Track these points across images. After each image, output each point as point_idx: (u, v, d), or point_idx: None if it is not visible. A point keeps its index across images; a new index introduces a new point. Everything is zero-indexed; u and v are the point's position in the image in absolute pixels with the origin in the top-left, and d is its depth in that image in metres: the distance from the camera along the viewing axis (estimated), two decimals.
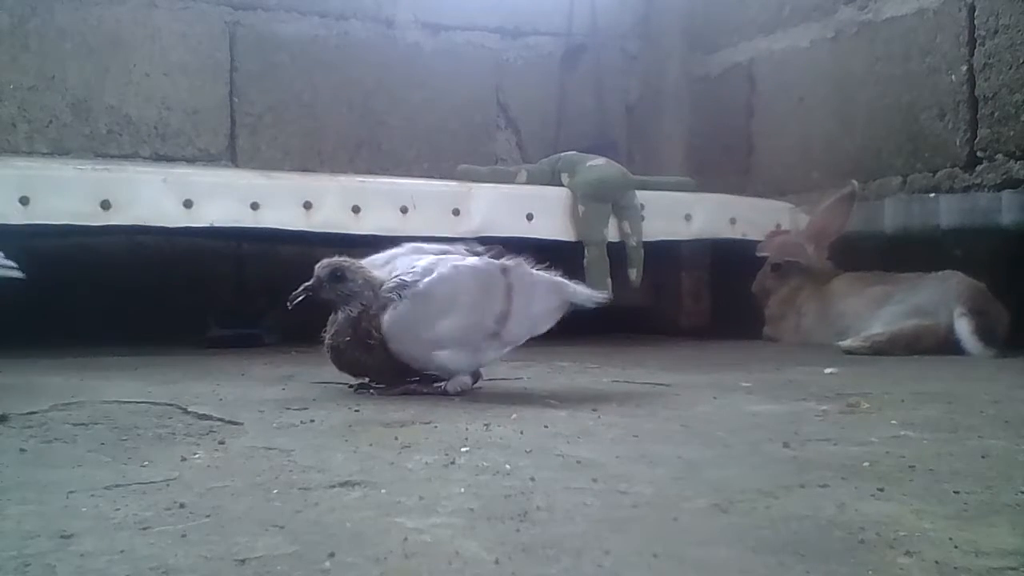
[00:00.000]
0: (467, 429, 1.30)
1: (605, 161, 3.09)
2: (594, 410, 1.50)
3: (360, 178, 2.91)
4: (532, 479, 0.98)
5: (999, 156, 2.96)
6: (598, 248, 2.90)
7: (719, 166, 3.83)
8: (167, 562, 0.70)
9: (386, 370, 1.68)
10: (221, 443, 1.20)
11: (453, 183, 2.92)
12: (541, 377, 2.00)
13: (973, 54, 3.02)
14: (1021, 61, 2.89)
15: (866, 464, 1.07)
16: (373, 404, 1.57)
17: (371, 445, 1.19)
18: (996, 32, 2.96)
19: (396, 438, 1.23)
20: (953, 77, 3.08)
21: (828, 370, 2.13)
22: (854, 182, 3.13)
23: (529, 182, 3.09)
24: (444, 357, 1.65)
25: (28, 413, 1.40)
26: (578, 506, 0.87)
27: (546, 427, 1.34)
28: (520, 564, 0.69)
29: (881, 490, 0.92)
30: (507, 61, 3.99)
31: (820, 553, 0.72)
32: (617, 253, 2.94)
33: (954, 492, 0.92)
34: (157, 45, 3.44)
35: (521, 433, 1.28)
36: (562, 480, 0.98)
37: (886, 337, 2.63)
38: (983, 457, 1.12)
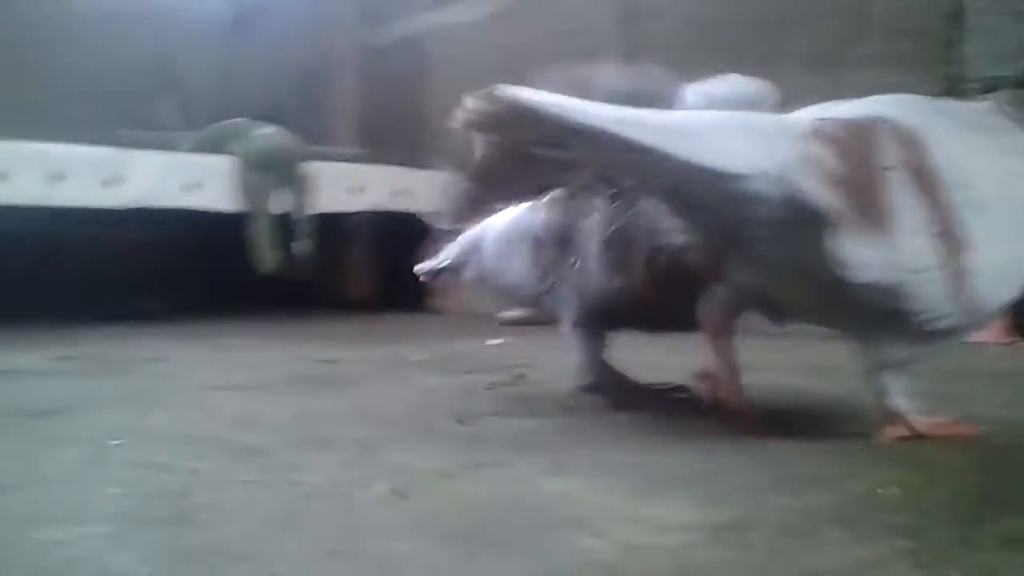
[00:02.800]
0: (118, 416, 1.20)
1: (275, 130, 2.98)
2: (261, 389, 1.43)
3: (4, 142, 2.64)
4: (193, 472, 0.90)
5: None
6: (265, 219, 2.80)
7: (391, 138, 3.79)
8: None
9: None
10: None
11: (112, 149, 2.71)
12: (199, 356, 1.90)
13: (631, 34, 3.15)
14: (673, 42, 3.04)
15: (540, 438, 1.06)
16: (8, 387, 1.42)
17: (5, 439, 1.07)
18: (654, 14, 3.10)
19: (35, 431, 1.11)
20: (613, 54, 3.19)
21: (492, 341, 2.15)
22: None
23: (194, 150, 2.93)
24: None
25: None
26: (245, 502, 0.80)
27: (206, 411, 1.25)
28: None
29: (558, 465, 0.91)
30: (175, 23, 3.78)
31: (506, 539, 0.69)
32: (286, 225, 2.85)
33: (629, 464, 0.92)
34: None
35: (179, 419, 1.19)
36: (226, 472, 0.90)
37: None
38: (651, 424, 1.14)
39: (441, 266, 1.50)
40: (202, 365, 1.79)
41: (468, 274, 1.45)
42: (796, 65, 2.68)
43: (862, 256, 0.92)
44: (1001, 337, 2.06)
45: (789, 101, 2.83)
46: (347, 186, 3.03)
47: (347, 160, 3.16)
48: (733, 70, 3.00)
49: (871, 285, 0.93)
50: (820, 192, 0.91)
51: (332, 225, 3.05)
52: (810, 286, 0.99)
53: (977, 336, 2.05)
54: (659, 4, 3.09)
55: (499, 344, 2.11)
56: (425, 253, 3.03)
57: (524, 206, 1.35)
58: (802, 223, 0.92)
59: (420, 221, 3.20)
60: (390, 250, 3.43)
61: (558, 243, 1.27)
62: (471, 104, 0.95)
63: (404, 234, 3.25)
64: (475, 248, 1.42)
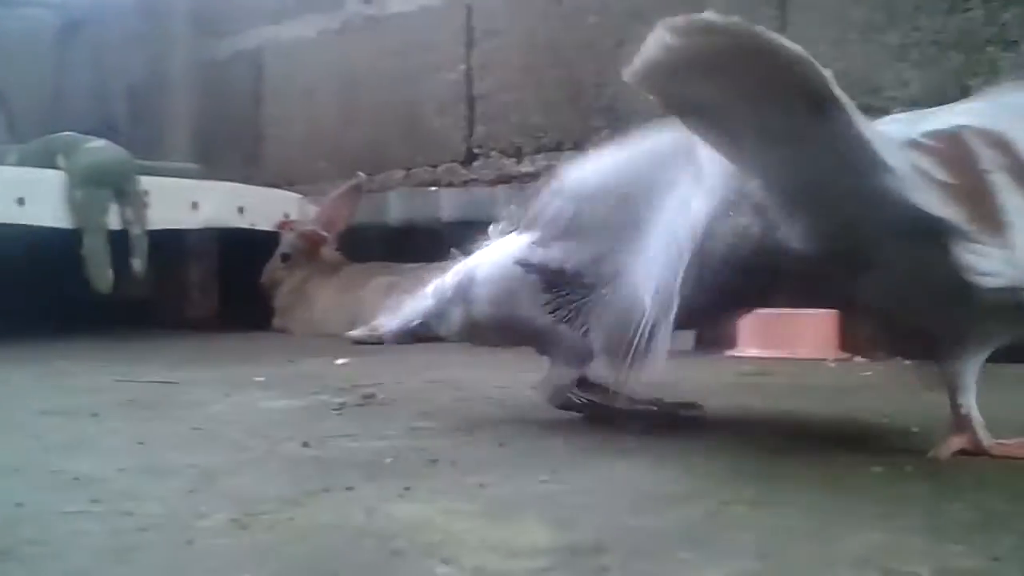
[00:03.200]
0: None
1: (106, 143, 2.88)
2: (95, 415, 1.37)
3: None
4: (20, 504, 0.84)
5: (494, 153, 3.11)
6: (98, 236, 2.69)
7: (227, 154, 3.72)
8: None
9: None
10: None
11: None
12: (28, 380, 1.81)
13: (471, 54, 3.16)
14: (511, 63, 3.06)
15: (389, 461, 1.04)
16: None
17: None
18: (492, 34, 3.11)
19: None
20: (453, 75, 3.20)
21: (339, 361, 2.11)
22: (361, 174, 3.16)
23: (20, 164, 2.80)
24: None
25: None
26: (76, 535, 0.75)
27: (35, 437, 1.19)
28: None
29: (408, 489, 0.89)
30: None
31: (353, 569, 0.67)
32: (119, 242, 2.75)
33: (479, 486, 0.90)
34: None
35: (5, 447, 1.13)
36: (56, 503, 0.85)
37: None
38: (500, 445, 1.13)
39: (413, 324, 1.38)
40: (32, 389, 1.71)
41: (452, 325, 1.33)
42: (628, 88, 2.73)
43: (986, 263, 0.90)
44: (838, 354, 2.13)
45: (620, 122, 2.90)
46: (183, 202, 2.94)
47: (183, 175, 3.08)
48: (567, 91, 3.07)
49: (1000, 289, 0.91)
50: (937, 204, 0.89)
51: (169, 242, 2.96)
52: (930, 296, 0.97)
53: (814, 353, 2.12)
54: (498, 25, 3.11)
55: (347, 364, 2.08)
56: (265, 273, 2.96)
57: (512, 241, 1.29)
58: (924, 233, 0.90)
59: (260, 238, 3.15)
60: (230, 268, 3.35)
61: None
62: (670, 38, 0.83)
63: (244, 251, 3.19)
64: (460, 295, 1.31)
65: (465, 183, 3.16)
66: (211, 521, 0.78)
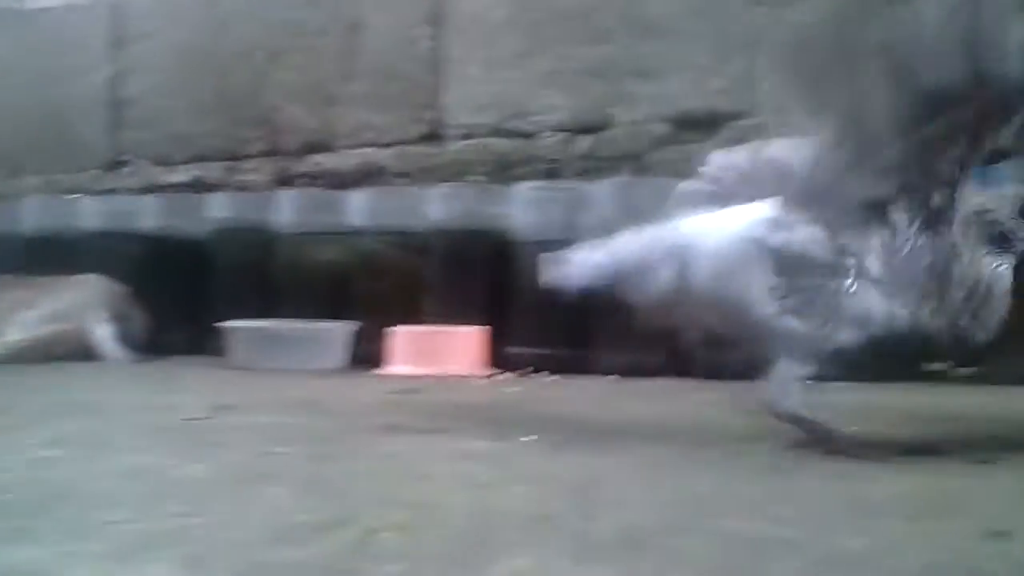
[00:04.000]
0: None
1: None
2: None
3: None
4: None
5: (142, 160, 2.99)
6: None
7: None
8: None
9: None
10: None
11: None
12: None
13: (119, 56, 3.02)
14: (163, 68, 2.94)
15: (7, 497, 0.95)
16: None
17: None
18: (143, 37, 2.99)
19: None
20: (99, 78, 3.05)
21: None
22: None
23: None
24: None
25: None
26: None
27: None
28: None
29: (23, 529, 0.81)
30: None
31: None
32: None
33: (106, 524, 0.84)
34: None
35: None
36: None
37: (24, 344, 2.50)
38: (133, 476, 1.06)
39: (596, 279, 1.19)
40: None
41: (654, 287, 1.15)
42: (287, 100, 2.70)
43: None
44: (485, 371, 2.18)
45: (275, 133, 2.85)
46: None
47: None
48: (221, 99, 2.98)
49: None
50: None
51: None
52: None
53: (462, 370, 2.15)
54: (150, 27, 2.99)
55: None
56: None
57: (748, 212, 1.14)
58: None
59: None
60: None
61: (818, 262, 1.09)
62: None
63: None
64: (673, 258, 1.15)
65: (109, 191, 3.00)
66: None
